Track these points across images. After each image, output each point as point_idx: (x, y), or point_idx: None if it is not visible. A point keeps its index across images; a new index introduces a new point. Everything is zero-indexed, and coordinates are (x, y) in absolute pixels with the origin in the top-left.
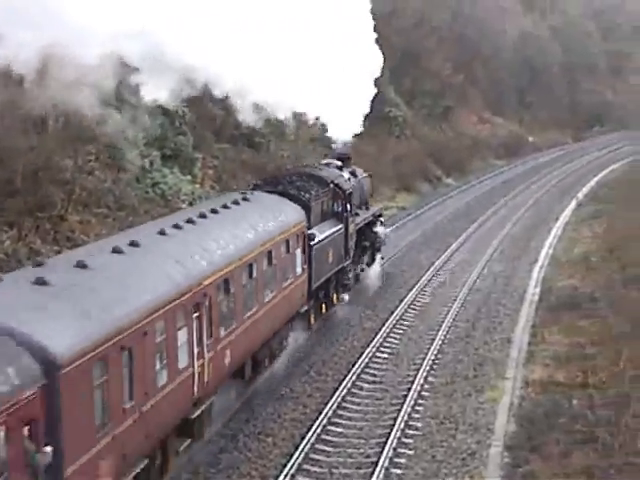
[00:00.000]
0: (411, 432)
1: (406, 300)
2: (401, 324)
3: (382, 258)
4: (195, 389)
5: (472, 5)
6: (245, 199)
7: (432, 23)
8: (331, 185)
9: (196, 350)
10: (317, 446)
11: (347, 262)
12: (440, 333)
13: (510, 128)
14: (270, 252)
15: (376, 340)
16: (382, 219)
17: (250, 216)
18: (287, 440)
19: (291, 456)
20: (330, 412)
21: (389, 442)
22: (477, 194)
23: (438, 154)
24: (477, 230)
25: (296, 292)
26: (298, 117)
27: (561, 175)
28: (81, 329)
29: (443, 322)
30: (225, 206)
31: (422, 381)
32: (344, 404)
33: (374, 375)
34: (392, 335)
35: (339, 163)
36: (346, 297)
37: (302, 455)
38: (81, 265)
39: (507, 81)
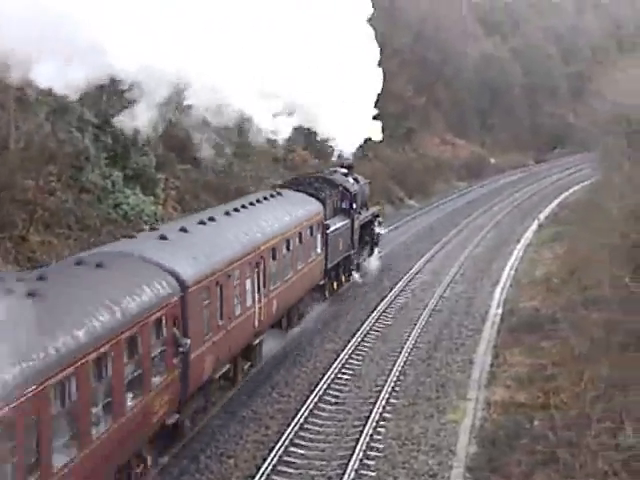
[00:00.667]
0: (373, 454)
1: (367, 323)
2: (363, 347)
3: (380, 252)
4: (256, 323)
5: (434, 28)
6: (279, 194)
7: (394, 45)
8: (340, 187)
9: (256, 296)
10: (279, 468)
11: (353, 251)
12: (402, 355)
13: (472, 149)
14: (300, 233)
15: (338, 362)
16: (380, 219)
17: (285, 206)
18: (249, 462)
19: (252, 478)
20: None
21: (351, 464)
22: (439, 215)
23: (401, 176)
24: (439, 251)
25: (316, 268)
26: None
27: (523, 196)
28: (195, 267)
29: (405, 344)
30: (265, 198)
31: (384, 403)
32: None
33: (335, 403)
34: (354, 357)
35: (345, 170)
36: (357, 276)
37: (264, 477)
38: (183, 230)
39: (469, 103)
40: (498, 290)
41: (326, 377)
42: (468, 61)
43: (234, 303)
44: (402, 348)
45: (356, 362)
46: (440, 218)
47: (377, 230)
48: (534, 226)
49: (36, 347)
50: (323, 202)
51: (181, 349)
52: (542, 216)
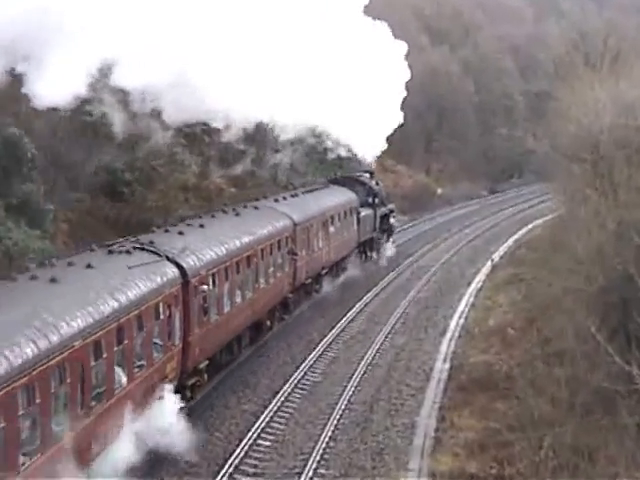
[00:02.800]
0: None
1: (292, 380)
2: (287, 406)
3: (394, 242)
4: (324, 259)
5: None
6: (327, 187)
7: None
8: (366, 185)
9: (324, 243)
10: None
11: (375, 234)
12: (333, 417)
13: (416, 178)
14: (345, 212)
15: (259, 424)
16: (394, 214)
17: (333, 194)
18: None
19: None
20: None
21: None
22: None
23: None
24: (377, 296)
25: (351, 240)
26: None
27: (474, 233)
28: (303, 214)
29: (336, 405)
30: (317, 189)
31: (311, 473)
32: None
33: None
34: (277, 420)
35: (368, 175)
36: (376, 256)
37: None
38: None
39: (412, 124)
40: (445, 342)
41: (243, 444)
42: (411, 75)
43: (316, 242)
44: (333, 409)
45: (280, 428)
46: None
47: (392, 222)
48: (487, 267)
49: None
50: (357, 194)
51: (294, 257)
52: (496, 256)
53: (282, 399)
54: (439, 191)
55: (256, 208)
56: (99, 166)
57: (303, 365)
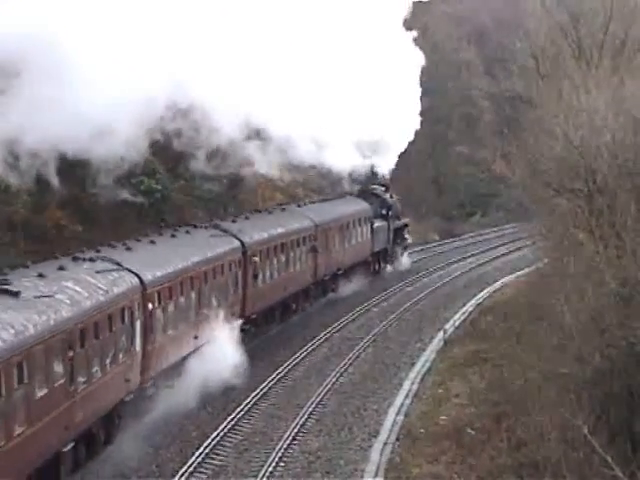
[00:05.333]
0: None
1: None
2: None
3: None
4: (339, 260)
5: None
6: (343, 197)
7: None
8: (381, 198)
9: (341, 246)
10: None
11: (389, 246)
12: None
13: None
14: (359, 221)
15: None
16: (408, 228)
17: (348, 203)
18: None
19: None
20: None
21: None
22: (296, 319)
23: None
24: (284, 380)
25: (365, 247)
26: None
27: (420, 292)
28: (323, 218)
29: None
30: (333, 199)
31: None
32: None
33: None
34: None
35: (383, 188)
36: (390, 268)
37: None
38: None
39: None
40: (377, 448)
41: None
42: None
43: (333, 244)
44: None
45: None
46: (294, 323)
47: (406, 236)
48: (437, 341)
49: None
50: (371, 206)
51: (316, 253)
52: (450, 326)
53: None
54: None
55: (283, 210)
56: None
57: None
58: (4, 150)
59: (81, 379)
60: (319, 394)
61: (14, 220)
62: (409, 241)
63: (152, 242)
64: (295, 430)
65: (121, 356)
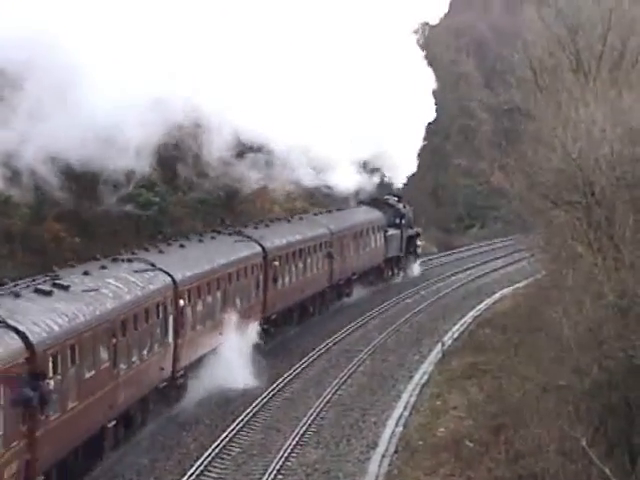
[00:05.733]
0: None
1: None
2: None
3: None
4: (353, 265)
5: None
6: (357, 206)
7: None
8: (394, 208)
9: (355, 252)
10: None
11: (401, 254)
12: None
13: None
14: (373, 228)
15: None
16: (420, 237)
17: (363, 213)
18: None
19: None
20: None
21: None
22: (291, 334)
23: None
24: (280, 392)
25: (378, 254)
26: None
27: (419, 305)
28: (339, 225)
29: None
30: (348, 208)
31: None
32: None
33: None
34: None
35: (396, 198)
36: (401, 275)
37: None
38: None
39: None
40: (375, 460)
41: None
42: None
43: (347, 250)
44: None
45: None
46: (287, 339)
47: (418, 244)
48: (436, 353)
49: None
50: (384, 215)
51: (331, 259)
52: (448, 338)
53: None
54: None
55: (301, 218)
56: None
57: None
58: (4, 161)
59: (123, 365)
60: (320, 405)
61: (12, 232)
62: (420, 247)
63: (182, 246)
64: (293, 442)
65: (156, 346)
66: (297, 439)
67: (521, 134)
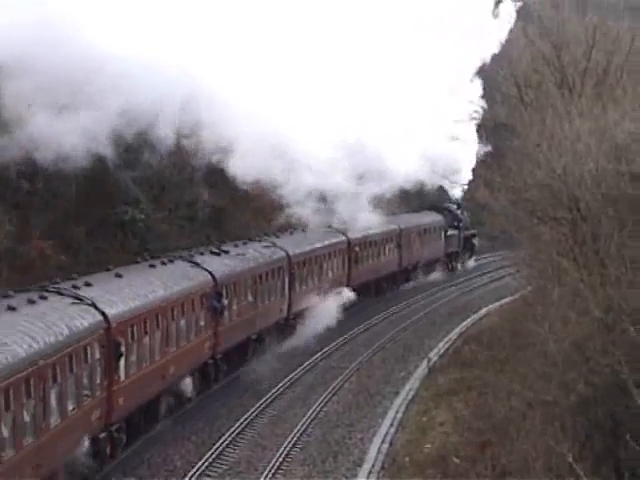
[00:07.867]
0: None
1: None
2: None
3: (476, 259)
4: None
5: None
6: (420, 212)
7: None
8: (453, 213)
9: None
10: None
11: (459, 249)
12: None
13: None
14: (434, 228)
15: None
16: (477, 237)
17: (427, 216)
18: None
19: None
20: None
21: None
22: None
23: None
24: (265, 410)
25: (440, 249)
26: None
27: (404, 320)
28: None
29: None
30: (414, 211)
31: None
32: None
33: None
34: None
35: (455, 206)
36: (460, 267)
37: None
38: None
39: None
40: (362, 476)
41: None
42: None
43: (414, 243)
44: None
45: None
46: (278, 357)
47: (475, 242)
48: (422, 370)
49: None
50: (444, 218)
51: (399, 248)
52: (434, 354)
53: None
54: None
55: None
56: None
57: None
58: None
59: (259, 302)
60: (306, 422)
61: None
62: (477, 246)
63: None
64: (279, 460)
65: (279, 295)
66: (283, 456)
67: (506, 150)
